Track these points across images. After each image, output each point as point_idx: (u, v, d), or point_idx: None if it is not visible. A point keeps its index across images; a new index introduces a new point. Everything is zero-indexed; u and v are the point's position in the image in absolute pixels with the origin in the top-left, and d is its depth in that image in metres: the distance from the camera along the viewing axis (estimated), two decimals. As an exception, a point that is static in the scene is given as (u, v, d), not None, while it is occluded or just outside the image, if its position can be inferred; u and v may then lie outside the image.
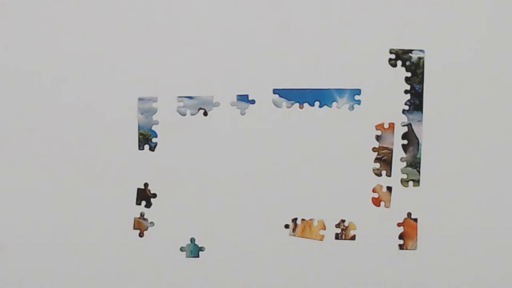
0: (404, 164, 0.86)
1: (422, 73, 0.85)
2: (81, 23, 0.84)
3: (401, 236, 0.86)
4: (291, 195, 0.85)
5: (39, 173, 0.84)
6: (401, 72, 0.85)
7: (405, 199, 0.86)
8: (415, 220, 0.86)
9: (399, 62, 0.85)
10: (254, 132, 0.85)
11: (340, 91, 0.85)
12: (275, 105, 0.85)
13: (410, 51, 0.85)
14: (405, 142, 0.85)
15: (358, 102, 0.85)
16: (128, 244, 0.85)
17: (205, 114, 0.85)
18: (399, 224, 0.86)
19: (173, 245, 0.85)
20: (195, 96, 0.85)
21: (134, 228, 0.85)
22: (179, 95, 0.85)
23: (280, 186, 0.85)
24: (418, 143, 0.85)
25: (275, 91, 0.85)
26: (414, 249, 0.86)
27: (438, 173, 0.86)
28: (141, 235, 0.85)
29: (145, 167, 0.85)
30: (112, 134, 0.84)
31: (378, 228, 0.86)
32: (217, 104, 0.85)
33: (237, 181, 0.85)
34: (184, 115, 0.85)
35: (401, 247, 0.86)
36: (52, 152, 0.84)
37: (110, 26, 0.84)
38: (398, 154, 0.86)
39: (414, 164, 0.86)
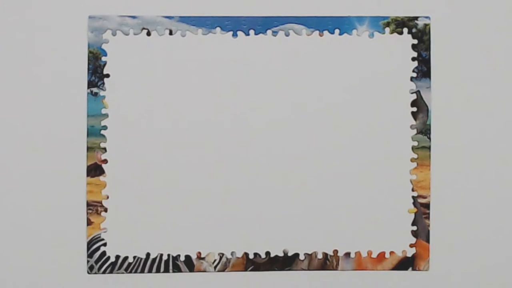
0: (415, 131, 0.86)
1: (429, 39, 0.86)
2: None
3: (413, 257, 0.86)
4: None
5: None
6: (407, 39, 0.86)
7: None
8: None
9: (405, 30, 0.86)
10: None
11: (360, 19, 0.86)
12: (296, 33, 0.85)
13: (416, 18, 0.86)
14: (415, 109, 0.86)
15: (379, 29, 0.85)
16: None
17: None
18: (411, 245, 0.86)
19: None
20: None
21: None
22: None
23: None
24: (427, 110, 0.86)
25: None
26: (426, 270, 0.86)
27: (448, 139, 0.86)
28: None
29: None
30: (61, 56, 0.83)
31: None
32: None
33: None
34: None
35: (413, 268, 0.86)
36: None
37: None
38: (408, 121, 0.86)
39: (425, 131, 0.86)
